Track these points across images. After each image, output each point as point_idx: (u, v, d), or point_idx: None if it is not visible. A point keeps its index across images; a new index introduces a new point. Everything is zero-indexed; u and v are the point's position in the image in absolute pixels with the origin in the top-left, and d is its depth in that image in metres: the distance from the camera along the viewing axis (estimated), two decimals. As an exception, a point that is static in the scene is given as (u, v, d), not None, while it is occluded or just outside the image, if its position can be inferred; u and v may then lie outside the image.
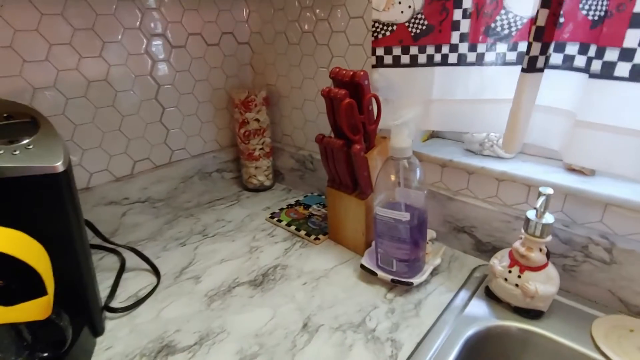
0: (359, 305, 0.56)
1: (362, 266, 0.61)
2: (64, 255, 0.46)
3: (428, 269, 0.60)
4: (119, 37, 0.71)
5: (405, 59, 0.60)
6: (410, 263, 0.58)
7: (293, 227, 0.75)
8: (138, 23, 0.73)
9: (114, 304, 0.57)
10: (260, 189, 0.93)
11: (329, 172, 0.66)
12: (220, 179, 0.94)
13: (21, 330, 0.40)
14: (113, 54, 0.71)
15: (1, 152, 0.40)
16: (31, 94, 0.63)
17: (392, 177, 0.56)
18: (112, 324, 0.54)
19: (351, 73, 0.57)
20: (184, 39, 0.80)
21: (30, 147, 0.42)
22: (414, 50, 0.59)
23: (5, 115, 0.45)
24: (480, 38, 0.55)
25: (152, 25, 0.74)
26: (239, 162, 0.95)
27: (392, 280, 0.58)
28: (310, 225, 0.76)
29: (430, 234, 0.66)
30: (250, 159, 0.90)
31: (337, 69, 0.59)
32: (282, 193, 0.92)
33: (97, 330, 0.51)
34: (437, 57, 0.58)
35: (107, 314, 0.55)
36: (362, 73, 0.56)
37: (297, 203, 0.85)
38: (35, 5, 0.61)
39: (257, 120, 0.86)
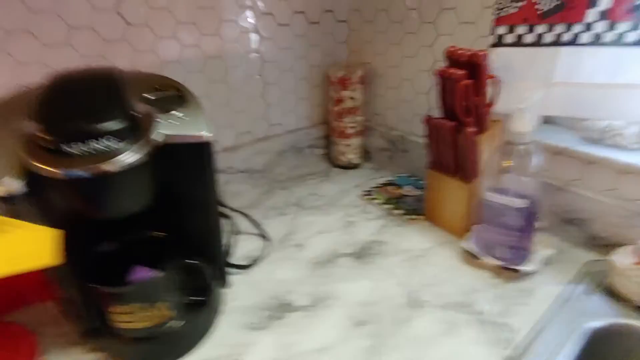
0: (462, 287, 0.56)
1: (464, 249, 0.61)
2: (203, 214, 0.51)
3: (537, 259, 0.58)
4: (234, 16, 0.75)
5: (529, 38, 0.57)
6: (516, 251, 0.57)
7: (388, 206, 0.76)
8: (250, 1, 0.76)
9: (233, 261, 0.63)
10: (348, 166, 0.95)
11: (432, 154, 0.66)
12: (310, 154, 0.98)
13: (179, 276, 0.47)
14: (229, 32, 0.75)
15: (161, 121, 0.45)
16: (159, 67, 0.70)
17: (507, 163, 0.54)
18: (234, 280, 0.60)
19: (470, 53, 0.55)
20: (289, 17, 0.83)
21: (183, 117, 0.47)
22: (539, 28, 0.56)
23: (156, 87, 0.51)
24: (623, 16, 0.50)
25: (262, 3, 0.78)
26: (328, 139, 0.98)
27: (499, 266, 0.57)
28: (405, 205, 0.76)
29: (540, 224, 0.63)
30: (341, 137, 0.92)
31: (453, 48, 0.58)
32: (371, 172, 0.94)
33: (224, 283, 0.57)
34: (566, 37, 0.55)
35: (228, 269, 0.61)
36: (482, 53, 0.54)
37: (389, 183, 0.86)
38: (169, -14, 0.66)
39: (352, 98, 0.87)
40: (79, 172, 0.32)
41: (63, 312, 0.49)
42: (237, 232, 0.71)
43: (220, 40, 0.75)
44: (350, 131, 0.91)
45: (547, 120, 0.70)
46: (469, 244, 0.62)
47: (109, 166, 0.33)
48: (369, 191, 0.82)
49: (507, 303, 0.53)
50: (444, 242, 0.66)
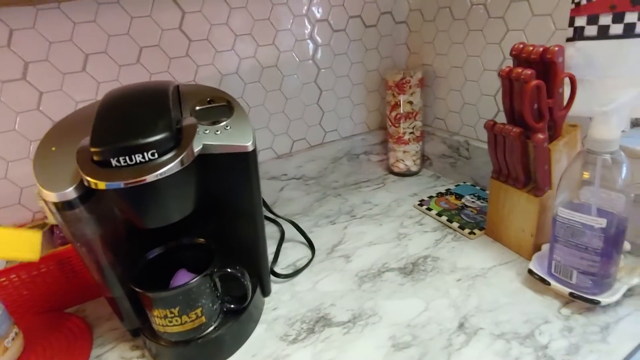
0: (525, 315, 0.50)
1: (530, 272, 0.54)
2: (247, 222, 0.52)
3: (621, 288, 0.49)
4: (289, 25, 0.76)
5: (616, 29, 0.48)
6: (597, 278, 0.48)
7: (444, 218, 0.71)
8: (305, 10, 0.76)
9: (277, 270, 0.63)
10: (406, 174, 0.91)
11: (497, 162, 0.59)
12: (366, 161, 0.95)
13: (216, 283, 0.48)
14: (283, 41, 0.76)
15: (207, 132, 0.47)
16: (219, 79, 0.73)
17: (586, 175, 0.47)
18: (276, 288, 0.60)
19: (541, 49, 0.49)
20: (345, 22, 0.81)
21: (228, 128, 0.48)
22: (630, 17, 0.47)
23: (208, 99, 0.53)
24: None
25: (317, 10, 0.77)
26: (385, 146, 0.94)
27: (572, 294, 0.49)
28: (464, 217, 0.70)
29: (625, 246, 0.54)
30: (399, 143, 0.88)
31: (522, 45, 0.51)
32: (430, 180, 0.88)
33: (265, 291, 0.58)
34: (667, 24, 0.45)
35: (272, 277, 0.61)
36: (557, 48, 0.47)
37: (448, 192, 0.80)
38: (227, 1, 0.69)
39: (410, 102, 0.83)
40: (118, 183, 0.35)
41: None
42: (285, 240, 0.71)
43: (276, 50, 0.76)
44: (408, 137, 0.87)
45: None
46: (537, 266, 0.54)
47: (148, 177, 0.35)
48: (423, 201, 0.77)
49: (579, 340, 0.45)
50: (507, 262, 0.59)
